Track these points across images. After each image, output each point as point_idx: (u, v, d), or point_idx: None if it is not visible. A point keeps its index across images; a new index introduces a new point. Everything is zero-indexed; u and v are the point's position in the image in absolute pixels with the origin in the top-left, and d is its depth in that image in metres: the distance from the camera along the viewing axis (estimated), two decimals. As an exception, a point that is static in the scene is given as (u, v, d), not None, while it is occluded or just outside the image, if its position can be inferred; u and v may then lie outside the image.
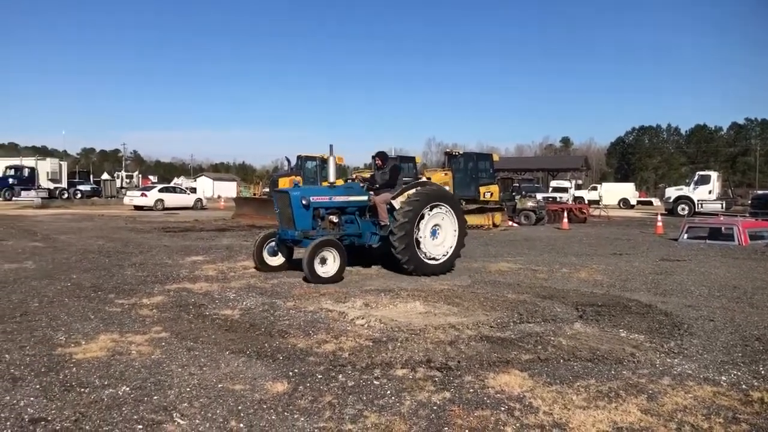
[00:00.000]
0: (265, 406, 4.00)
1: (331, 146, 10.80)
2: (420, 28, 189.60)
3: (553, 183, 56.84)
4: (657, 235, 20.18)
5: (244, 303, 7.43)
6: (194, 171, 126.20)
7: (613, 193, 56.03)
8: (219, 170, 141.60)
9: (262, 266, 10.14)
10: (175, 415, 3.82)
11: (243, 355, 5.20)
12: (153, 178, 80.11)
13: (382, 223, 10.02)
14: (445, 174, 23.83)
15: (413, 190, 10.27)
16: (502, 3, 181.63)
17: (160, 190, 38.70)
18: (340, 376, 4.66)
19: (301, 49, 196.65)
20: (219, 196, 67.89)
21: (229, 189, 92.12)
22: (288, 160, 30.66)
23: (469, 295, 8.18)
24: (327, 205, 10.07)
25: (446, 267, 10.29)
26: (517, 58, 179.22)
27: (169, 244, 15.02)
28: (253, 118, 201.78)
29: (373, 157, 11.25)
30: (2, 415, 3.74)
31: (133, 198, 37.49)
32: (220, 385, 4.39)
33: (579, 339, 5.92)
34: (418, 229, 9.88)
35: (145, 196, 37.06)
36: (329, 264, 9.13)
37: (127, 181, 64.18)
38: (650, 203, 56.63)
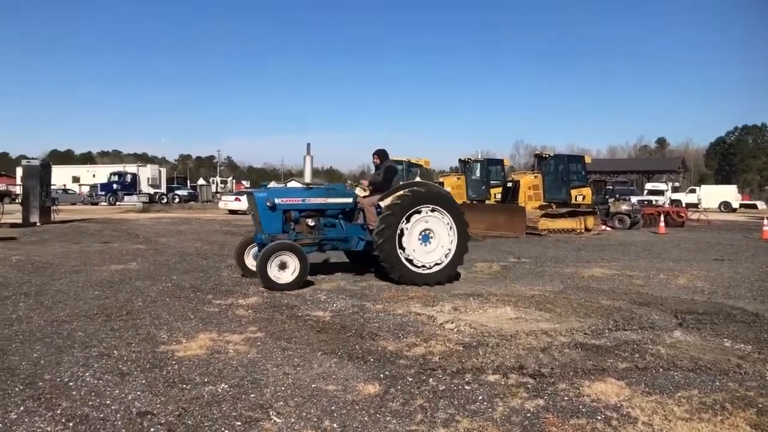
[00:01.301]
0: (357, 407, 4.04)
1: (308, 145, 10.05)
2: (509, 29, 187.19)
3: (649, 185, 54.76)
4: (763, 241, 19.06)
5: (335, 305, 7.55)
6: (284, 176, 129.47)
7: (712, 195, 53.38)
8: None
9: (245, 272, 9.68)
10: (271, 413, 3.92)
11: (335, 356, 5.28)
12: (246, 183, 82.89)
13: (371, 227, 9.37)
14: (535, 177, 23.43)
15: (400, 192, 9.36)
16: (589, 2, 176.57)
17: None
18: (431, 379, 4.65)
19: (387, 52, 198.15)
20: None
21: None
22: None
23: (562, 300, 7.99)
24: (300, 207, 9.44)
25: (442, 276, 9.29)
26: (608, 57, 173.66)
27: (262, 246, 15.45)
28: (342, 122, 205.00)
29: (373, 155, 10.53)
30: (113, 408, 3.96)
31: (227, 202, 38.92)
32: (313, 385, 4.48)
33: (679, 348, 5.67)
34: (403, 234, 9.09)
35: (239, 200, 38.27)
36: (289, 270, 8.60)
37: (222, 186, 66.74)
38: (754, 207, 53.53)
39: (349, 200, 9.75)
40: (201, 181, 70.88)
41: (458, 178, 26.93)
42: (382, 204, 9.33)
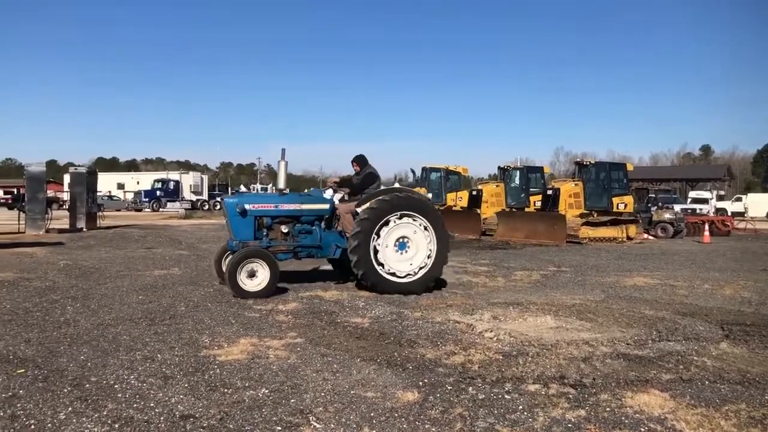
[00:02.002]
0: (396, 415, 4.05)
1: (283, 150, 9.66)
2: (547, 33, 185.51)
3: (692, 194, 53.56)
4: (814, 250, 18.47)
5: (373, 312, 7.57)
6: (323, 183, 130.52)
7: (760, 204, 51.84)
8: (343, 181, 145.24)
9: (223, 279, 9.25)
10: (311, 418, 3.96)
11: (374, 362, 5.30)
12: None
13: (348, 234, 9.12)
14: (576, 184, 23.15)
15: (377, 198, 9.09)
16: (632, 8, 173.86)
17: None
18: (470, 388, 4.63)
19: (425, 60, 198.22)
20: (346, 208, 69.55)
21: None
22: (413, 171, 30.97)
23: (603, 310, 7.87)
24: (272, 214, 9.24)
25: (419, 285, 9.00)
26: (650, 63, 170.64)
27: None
28: (377, 130, 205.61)
29: (352, 162, 10.24)
30: (156, 410, 4.04)
31: (266, 209, 39.28)
32: (352, 392, 4.50)
33: (725, 360, 5.54)
34: (377, 241, 8.84)
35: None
36: (259, 277, 8.46)
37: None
38: (806, 216, 51.89)
39: (325, 206, 9.55)
40: (242, 188, 71.93)
41: (497, 186, 26.77)
42: (359, 210, 9.11)
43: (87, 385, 4.53)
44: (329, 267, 10.87)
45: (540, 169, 27.87)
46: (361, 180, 9.88)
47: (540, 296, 8.98)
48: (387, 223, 8.92)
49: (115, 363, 5.13)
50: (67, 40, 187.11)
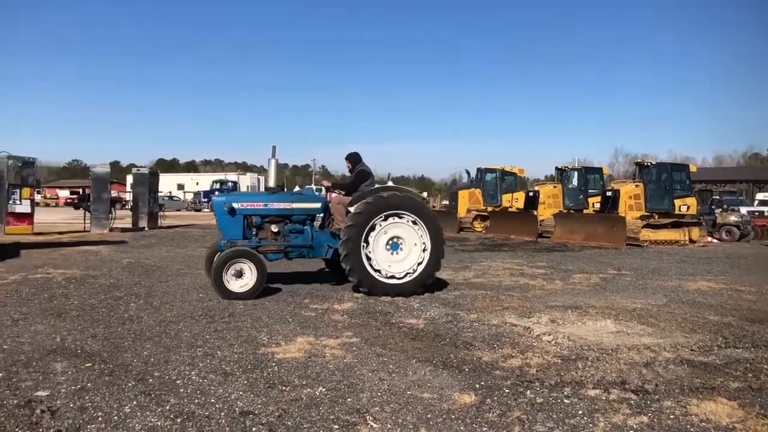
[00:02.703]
0: (453, 416, 4.02)
1: (274, 147, 9.52)
2: (607, 30, 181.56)
3: (760, 195, 51.39)
4: None
5: (428, 313, 7.55)
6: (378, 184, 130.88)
7: (833, 206, 49.50)
8: (399, 183, 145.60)
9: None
10: (368, 418, 3.96)
11: (429, 364, 5.28)
12: (284, 189, 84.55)
13: (338, 231, 8.88)
14: (636, 186, 22.59)
15: (369, 197, 8.81)
16: (694, 6, 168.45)
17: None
18: (528, 392, 4.56)
19: (481, 61, 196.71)
20: (400, 208, 69.72)
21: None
22: (468, 173, 30.83)
23: (665, 315, 7.65)
24: (261, 213, 9.06)
25: (412, 287, 8.75)
26: (715, 62, 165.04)
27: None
28: (432, 131, 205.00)
29: (345, 160, 10.07)
30: (217, 406, 4.12)
31: (321, 210, 39.75)
32: (408, 392, 4.49)
33: (798, 369, 5.30)
34: (368, 242, 8.59)
35: (333, 207, 39.15)
36: (246, 278, 8.29)
37: (317, 193, 68.23)
38: None
39: (317, 205, 9.38)
40: (297, 189, 72.95)
41: (554, 187, 26.37)
42: (351, 209, 8.87)
43: (150, 380, 4.66)
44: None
45: (599, 170, 27.29)
46: (353, 178, 9.74)
47: (599, 300, 8.78)
48: (378, 223, 8.68)
49: (177, 359, 5.26)
50: (125, 43, 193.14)
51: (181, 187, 61.48)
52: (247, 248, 8.58)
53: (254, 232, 9.09)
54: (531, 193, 26.30)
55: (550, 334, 6.40)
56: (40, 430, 3.64)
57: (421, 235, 8.86)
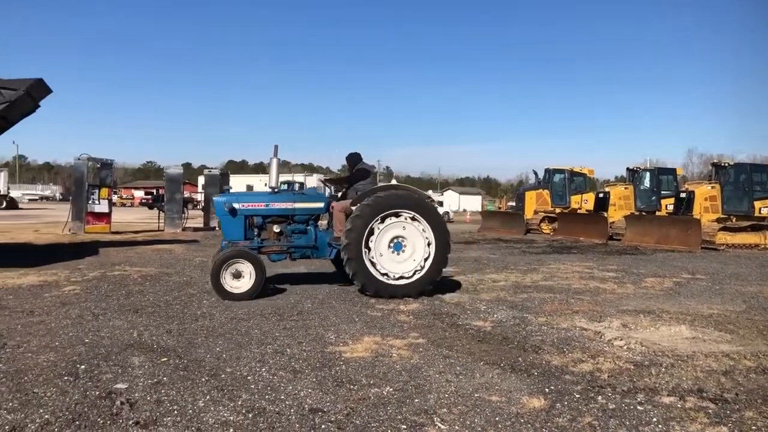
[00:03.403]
0: (522, 420, 3.96)
1: (275, 147, 9.26)
2: (682, 30, 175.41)
3: None
4: None
5: (495, 315, 7.47)
6: (441, 185, 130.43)
7: None
8: (464, 184, 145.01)
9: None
10: (435, 419, 3.95)
11: (497, 367, 5.22)
12: (290, 189, 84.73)
13: (338, 234, 8.74)
14: (712, 187, 21.75)
15: (372, 196, 8.62)
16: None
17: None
18: (600, 397, 4.45)
19: (549, 60, 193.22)
20: (465, 210, 69.36)
21: (474, 203, 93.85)
22: (535, 173, 30.38)
23: (745, 321, 7.33)
24: (263, 213, 8.97)
25: (416, 288, 8.54)
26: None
27: (421, 254, 15.69)
28: (496, 131, 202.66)
29: (346, 159, 9.96)
30: (287, 403, 4.19)
31: (386, 210, 39.96)
32: (476, 395, 4.45)
33: None
34: (369, 248, 8.44)
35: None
36: (244, 279, 8.18)
37: (320, 193, 68.71)
38: None
39: (320, 205, 9.21)
40: (297, 188, 73.46)
41: (626, 188, 25.71)
42: (353, 209, 8.69)
43: (223, 376, 4.78)
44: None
45: (672, 171, 26.43)
46: (351, 175, 9.61)
47: (673, 305, 8.49)
48: (380, 222, 8.55)
49: (248, 355, 5.38)
50: (197, 49, 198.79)
51: (250, 187, 62.71)
52: (245, 248, 8.51)
53: (256, 233, 9.03)
54: (601, 195, 25.70)
55: (621, 339, 6.23)
56: (120, 420, 3.78)
57: (424, 230, 8.64)
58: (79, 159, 20.45)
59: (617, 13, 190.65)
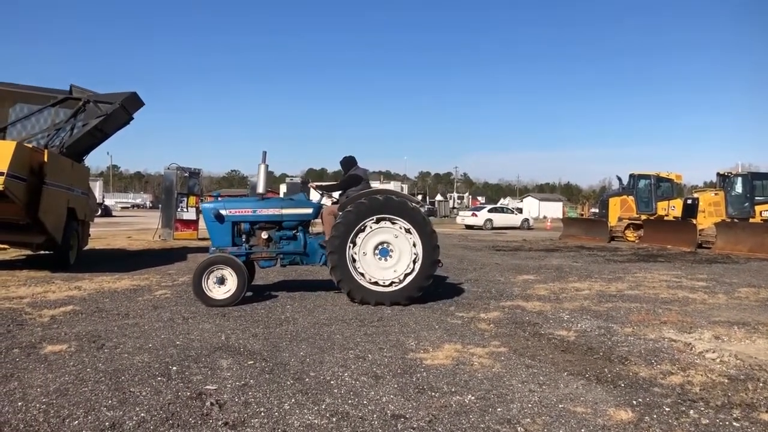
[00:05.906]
0: (609, 433, 3.87)
1: (264, 153, 9.11)
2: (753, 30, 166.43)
3: None
4: None
5: (579, 325, 7.30)
6: (520, 192, 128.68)
7: None
8: (544, 190, 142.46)
9: None
10: (519, 429, 3.90)
11: (581, 377, 5.11)
12: (481, 199, 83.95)
13: (326, 238, 8.63)
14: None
15: (357, 201, 8.51)
16: None
17: (489, 211, 40.70)
18: (692, 411, 4.28)
19: (627, 65, 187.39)
20: (545, 217, 68.12)
21: (554, 209, 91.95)
22: (619, 179, 29.45)
23: None
24: (251, 219, 8.87)
25: (403, 295, 8.35)
26: None
27: (500, 262, 15.54)
28: (577, 137, 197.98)
29: (340, 163, 9.83)
30: (369, 408, 4.24)
31: (464, 218, 39.97)
32: (560, 405, 4.37)
33: None
34: (354, 249, 8.34)
35: (476, 216, 39.13)
36: (228, 285, 8.14)
37: (458, 201, 68.34)
38: None
39: (309, 211, 9.07)
40: (439, 197, 73.42)
41: (716, 194, 24.58)
42: (341, 213, 8.58)
43: (306, 379, 4.88)
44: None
45: (767, 176, 25.09)
46: (343, 181, 9.50)
47: (770, 317, 8.06)
48: (365, 227, 8.43)
49: (331, 360, 5.47)
50: (280, 58, 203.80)
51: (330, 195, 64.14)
52: (227, 255, 8.50)
53: (244, 239, 9.00)
54: (690, 201, 24.70)
55: (714, 351, 5.97)
56: (210, 421, 3.93)
57: (414, 245, 8.48)
58: (168, 168, 21.36)
59: (711, 11, 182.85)
